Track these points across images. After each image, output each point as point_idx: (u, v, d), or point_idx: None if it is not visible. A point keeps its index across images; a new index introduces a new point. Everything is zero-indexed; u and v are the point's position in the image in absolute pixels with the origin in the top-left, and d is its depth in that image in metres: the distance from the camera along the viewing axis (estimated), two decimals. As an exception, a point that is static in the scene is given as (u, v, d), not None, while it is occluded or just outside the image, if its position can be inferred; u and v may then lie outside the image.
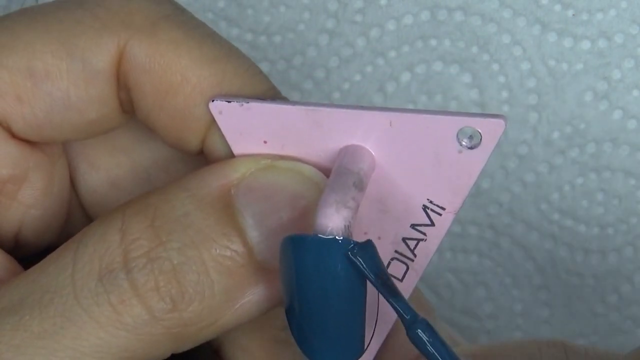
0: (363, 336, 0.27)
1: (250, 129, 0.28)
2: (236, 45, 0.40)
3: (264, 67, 0.40)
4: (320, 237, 0.25)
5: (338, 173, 0.27)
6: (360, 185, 0.27)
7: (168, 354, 0.28)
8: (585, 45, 0.40)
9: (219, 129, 0.28)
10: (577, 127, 0.41)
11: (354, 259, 0.26)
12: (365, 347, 0.28)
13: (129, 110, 0.30)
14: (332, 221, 0.26)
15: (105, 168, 0.32)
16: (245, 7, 0.40)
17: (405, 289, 0.30)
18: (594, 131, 0.41)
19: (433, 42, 0.40)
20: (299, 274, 0.26)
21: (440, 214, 0.28)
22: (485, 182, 0.41)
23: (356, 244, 0.26)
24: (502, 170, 0.41)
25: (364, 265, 0.26)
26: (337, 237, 0.25)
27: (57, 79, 0.29)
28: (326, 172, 0.28)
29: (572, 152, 0.41)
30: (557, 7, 0.40)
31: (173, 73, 0.28)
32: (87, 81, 0.29)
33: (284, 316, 0.31)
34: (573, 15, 0.40)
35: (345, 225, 0.26)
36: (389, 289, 0.26)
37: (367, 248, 0.26)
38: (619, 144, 0.41)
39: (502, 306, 0.42)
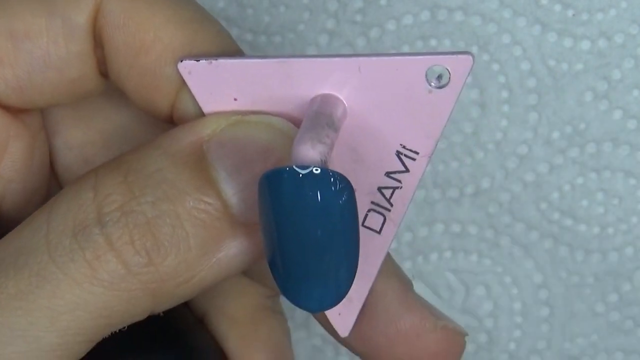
0: (349, 271, 0.27)
1: (220, 87, 0.28)
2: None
3: (264, 67, 0.40)
4: (297, 168, 0.25)
5: (310, 117, 0.27)
6: (333, 126, 0.27)
7: (147, 313, 0.28)
8: (585, 45, 0.40)
9: (189, 91, 0.28)
10: (577, 127, 0.41)
11: None
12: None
13: (104, 71, 0.30)
14: (309, 155, 0.25)
15: (79, 146, 0.32)
16: (245, 7, 0.40)
17: (383, 241, 0.29)
18: (594, 131, 0.41)
19: (433, 42, 0.40)
20: (277, 210, 0.26)
21: (414, 159, 0.28)
22: (485, 182, 0.41)
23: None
24: (502, 170, 0.41)
25: None
26: (314, 170, 0.25)
27: (37, 37, 0.29)
28: (299, 124, 0.28)
29: (572, 152, 0.41)
30: (557, 7, 0.40)
31: (146, 31, 0.28)
32: (66, 38, 0.29)
33: (267, 283, 0.31)
34: (573, 15, 0.40)
35: (321, 160, 0.26)
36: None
37: None
38: (619, 144, 0.41)
39: (502, 306, 0.42)
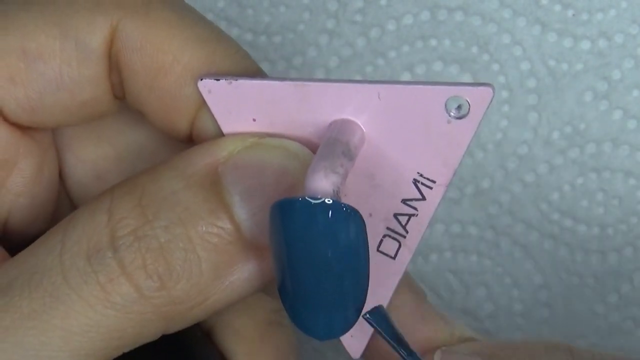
0: (358, 302, 0.27)
1: (239, 107, 0.28)
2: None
3: (264, 67, 0.40)
4: (309, 199, 0.25)
5: (327, 143, 0.27)
6: (348, 154, 0.27)
7: (158, 335, 0.28)
8: (585, 45, 0.40)
9: (208, 110, 0.28)
10: (577, 127, 0.41)
11: (369, 320, 0.26)
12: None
13: (119, 94, 0.30)
14: (321, 186, 0.25)
15: (91, 161, 0.32)
16: (245, 7, 0.40)
17: (398, 266, 0.30)
18: (594, 131, 0.41)
19: (433, 42, 0.40)
20: (289, 239, 0.26)
21: (431, 188, 0.28)
22: (485, 182, 0.41)
23: (370, 311, 0.26)
24: (502, 170, 0.41)
25: (379, 327, 0.26)
26: (325, 201, 0.25)
27: (50, 58, 0.29)
28: (316, 148, 0.28)
29: (572, 152, 0.41)
30: (557, 7, 0.40)
31: (165, 52, 0.28)
32: (80, 61, 0.29)
33: (275, 297, 0.31)
34: (573, 15, 0.40)
35: (334, 190, 0.26)
36: (405, 348, 0.26)
37: (380, 310, 0.26)
38: (619, 144, 0.41)
39: (502, 306, 0.42)
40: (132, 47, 0.28)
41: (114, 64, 0.29)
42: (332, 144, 0.27)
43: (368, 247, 0.26)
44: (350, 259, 0.26)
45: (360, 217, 0.26)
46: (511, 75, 0.40)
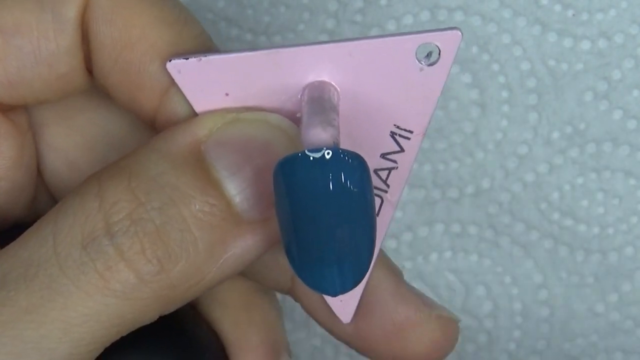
0: (368, 250, 0.26)
1: (211, 84, 0.28)
2: (236, 45, 0.40)
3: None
4: (309, 152, 0.25)
5: (312, 102, 0.27)
6: (335, 110, 0.27)
7: (156, 317, 0.28)
8: (585, 45, 0.40)
9: (178, 93, 0.28)
10: (577, 127, 0.41)
11: None
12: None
13: (90, 68, 0.30)
14: (321, 138, 0.25)
15: (63, 149, 0.32)
16: (245, 7, 0.40)
17: (382, 223, 0.30)
18: (594, 131, 0.41)
19: (433, 42, 0.40)
20: (294, 196, 0.25)
21: (408, 138, 0.28)
22: (485, 182, 0.41)
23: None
24: (502, 170, 0.41)
25: None
26: (327, 151, 0.25)
27: (27, 32, 0.29)
28: (292, 115, 0.28)
29: (572, 152, 0.41)
30: (557, 7, 0.40)
31: (133, 27, 0.28)
32: (56, 32, 0.29)
33: (255, 276, 0.31)
34: (573, 15, 0.40)
35: (333, 142, 0.26)
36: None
37: None
38: (619, 144, 0.41)
39: (502, 305, 0.42)
40: (102, 18, 0.28)
41: (85, 34, 0.29)
42: (318, 101, 0.27)
43: (373, 193, 0.26)
44: (358, 205, 0.25)
45: (364, 162, 0.25)
46: (511, 75, 0.40)
